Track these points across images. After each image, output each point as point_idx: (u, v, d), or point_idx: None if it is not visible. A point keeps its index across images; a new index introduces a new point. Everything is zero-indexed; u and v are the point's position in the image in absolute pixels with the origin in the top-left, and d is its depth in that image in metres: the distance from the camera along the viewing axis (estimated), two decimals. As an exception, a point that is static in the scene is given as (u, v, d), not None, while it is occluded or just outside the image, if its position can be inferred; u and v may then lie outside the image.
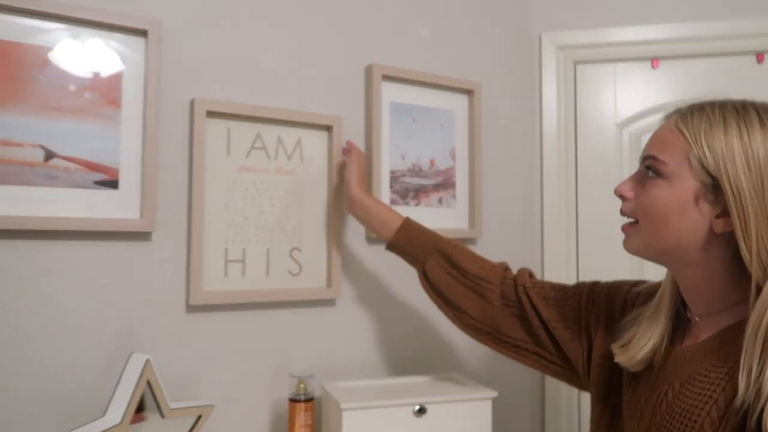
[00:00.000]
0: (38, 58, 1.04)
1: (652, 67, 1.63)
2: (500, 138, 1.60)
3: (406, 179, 1.42)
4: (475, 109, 1.51)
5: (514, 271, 1.13)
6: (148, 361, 0.92)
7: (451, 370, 1.43)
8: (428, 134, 1.46)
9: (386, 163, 1.39)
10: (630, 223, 0.84)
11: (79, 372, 1.05)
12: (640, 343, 0.84)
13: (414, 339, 1.41)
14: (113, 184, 1.09)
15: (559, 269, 1.62)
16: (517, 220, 1.61)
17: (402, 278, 1.39)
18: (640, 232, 0.81)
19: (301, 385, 1.15)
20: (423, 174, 1.45)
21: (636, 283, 0.97)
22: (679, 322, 0.85)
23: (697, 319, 0.82)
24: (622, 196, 0.84)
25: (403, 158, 1.42)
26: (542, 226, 1.64)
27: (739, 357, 0.69)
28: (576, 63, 1.67)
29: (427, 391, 1.18)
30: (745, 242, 0.71)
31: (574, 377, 1.03)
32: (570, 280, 1.62)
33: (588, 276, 1.53)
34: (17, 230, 1.01)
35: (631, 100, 1.64)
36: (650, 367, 0.84)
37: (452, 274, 1.12)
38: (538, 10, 1.68)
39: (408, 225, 1.18)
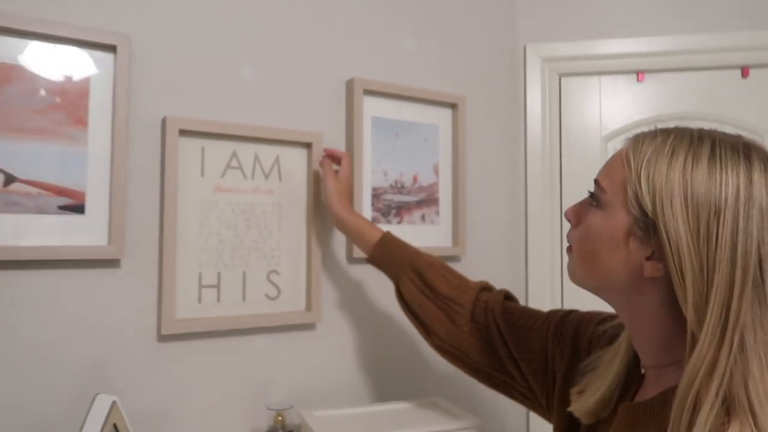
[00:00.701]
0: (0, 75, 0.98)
1: (638, 80, 1.61)
2: (485, 152, 1.56)
3: (389, 196, 1.38)
4: (459, 123, 1.47)
5: (496, 291, 1.09)
6: (114, 402, 0.87)
7: (435, 393, 1.39)
8: (411, 149, 1.42)
9: (368, 180, 1.35)
10: (568, 247, 0.78)
11: (44, 408, 0.99)
12: (590, 391, 0.77)
13: (397, 362, 1.37)
14: (79, 208, 1.03)
15: (544, 286, 1.60)
16: (502, 237, 1.58)
17: (384, 299, 1.35)
18: (572, 261, 0.76)
19: (279, 418, 1.11)
20: (405, 191, 1.41)
21: (605, 318, 0.89)
22: (635, 372, 0.78)
23: (643, 371, 0.75)
24: (568, 220, 0.78)
25: (386, 174, 1.38)
26: (527, 242, 1.61)
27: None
28: (561, 75, 1.64)
29: (410, 420, 1.14)
30: (679, 290, 0.62)
31: (542, 410, 0.98)
32: (555, 297, 1.59)
33: (573, 294, 1.50)
34: (-26, 260, 0.95)
35: (617, 113, 1.62)
36: (602, 420, 0.77)
37: (425, 293, 1.07)
38: (522, 21, 1.65)
39: (386, 240, 1.14)
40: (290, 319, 1.22)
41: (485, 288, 1.09)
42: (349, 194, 1.27)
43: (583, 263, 0.73)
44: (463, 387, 1.45)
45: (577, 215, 0.75)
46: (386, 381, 1.35)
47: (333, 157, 1.26)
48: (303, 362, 1.25)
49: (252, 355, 1.19)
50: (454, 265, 1.45)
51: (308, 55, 1.30)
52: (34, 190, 1.00)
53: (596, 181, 0.72)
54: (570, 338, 0.90)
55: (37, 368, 0.99)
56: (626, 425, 0.71)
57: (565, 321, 0.93)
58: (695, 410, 0.59)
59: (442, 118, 1.47)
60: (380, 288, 1.36)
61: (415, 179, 1.43)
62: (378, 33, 1.40)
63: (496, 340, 0.99)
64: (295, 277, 1.25)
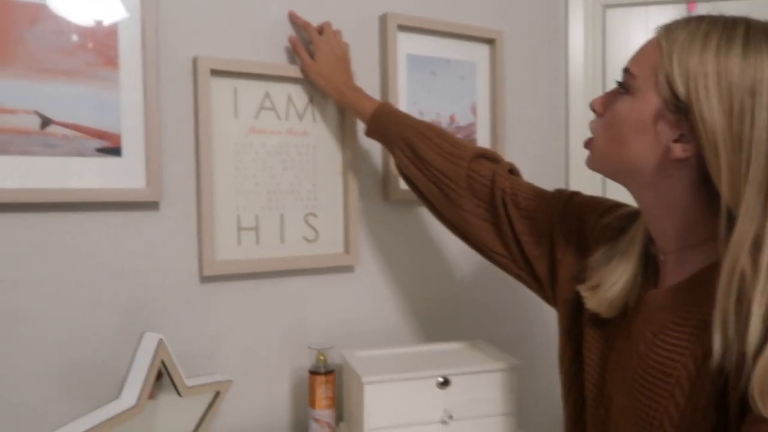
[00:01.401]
0: (24, 15, 0.95)
1: (688, 10, 1.51)
2: (524, 90, 1.50)
3: (425, 137, 1.34)
4: (497, 60, 1.41)
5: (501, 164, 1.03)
6: (161, 340, 0.88)
7: (474, 335, 1.38)
8: (448, 88, 1.37)
9: (403, 120, 1.31)
10: (589, 139, 0.78)
11: (91, 347, 1.02)
12: (608, 283, 0.76)
13: (436, 304, 1.36)
14: (116, 151, 1.03)
15: (585, 228, 1.55)
16: (542, 178, 1.51)
17: (422, 240, 1.34)
18: (595, 148, 0.76)
19: (321, 357, 1.11)
20: (442, 131, 1.37)
21: (608, 209, 0.87)
22: (652, 261, 0.77)
23: (662, 257, 0.75)
24: (594, 111, 0.77)
25: (421, 114, 1.34)
26: (567, 182, 1.56)
27: (714, 305, 0.61)
28: (605, 6, 1.55)
29: (451, 361, 1.13)
30: (714, 169, 0.62)
31: (544, 295, 0.96)
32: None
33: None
34: (17, 203, 0.96)
35: (664, 46, 1.53)
36: (623, 313, 0.76)
37: (417, 166, 1.04)
38: (564, -52, 1.55)
39: (380, 113, 1.09)
40: (328, 262, 1.22)
41: (482, 156, 1.03)
42: (340, 64, 1.16)
43: (608, 149, 0.73)
44: (501, 328, 1.44)
45: (604, 104, 0.75)
46: (425, 322, 1.35)
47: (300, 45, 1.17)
48: (341, 304, 1.25)
49: (291, 297, 1.20)
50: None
51: (340, -10, 1.25)
52: (71, 132, 0.99)
53: (625, 69, 0.72)
54: (575, 224, 0.89)
55: (83, 308, 1.01)
56: (659, 309, 0.71)
57: (569, 204, 0.91)
58: (742, 284, 0.59)
59: (479, 55, 1.41)
60: (418, 229, 1.34)
61: (452, 119, 1.38)
62: (412, -35, 1.33)
63: (501, 220, 0.96)
64: (332, 220, 1.23)
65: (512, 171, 1.02)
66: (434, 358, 1.15)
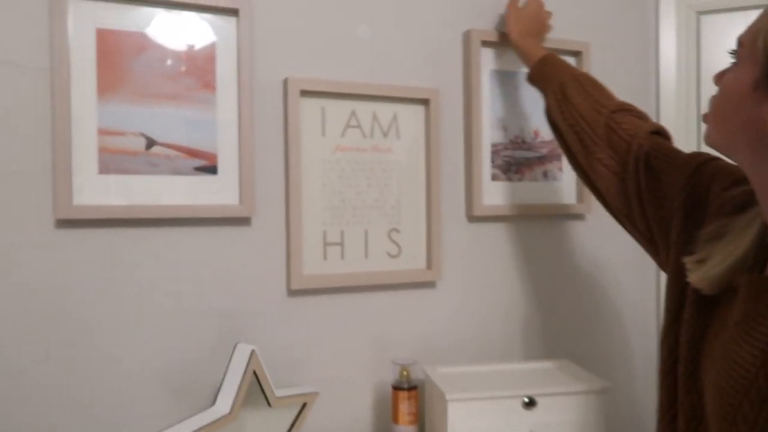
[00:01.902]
0: (134, 45, 1.03)
1: (794, 13, 1.42)
2: (611, 103, 1.45)
3: (508, 152, 1.33)
4: (584, 69, 1.37)
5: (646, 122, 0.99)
6: (253, 351, 0.92)
7: (558, 354, 1.35)
8: (532, 103, 1.35)
9: (486, 136, 1.30)
10: (704, 114, 0.72)
11: (186, 355, 1.07)
12: (715, 260, 0.70)
13: (520, 322, 1.34)
14: (212, 169, 1.08)
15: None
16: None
17: (505, 257, 1.32)
18: (708, 122, 0.71)
19: (405, 373, 1.12)
20: (526, 146, 1.35)
21: (738, 182, 0.79)
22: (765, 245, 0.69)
23: None
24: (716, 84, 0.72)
25: (505, 130, 1.32)
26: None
27: None
28: (699, 13, 1.48)
29: (536, 381, 1.11)
30: None
31: (659, 260, 0.89)
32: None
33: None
34: (123, 219, 1.03)
35: (766, 52, 1.44)
36: (725, 295, 0.69)
37: (562, 109, 1.06)
38: (654, -45, 1.50)
39: (546, 59, 1.15)
40: (411, 277, 1.22)
41: (627, 111, 1.00)
42: (533, 21, 1.27)
43: (715, 123, 0.69)
44: (587, 349, 1.39)
45: (719, 77, 0.70)
46: (507, 340, 1.32)
47: None
48: (424, 320, 1.25)
49: (374, 312, 1.21)
50: (578, 225, 1.40)
51: (423, 9, 1.26)
52: (172, 152, 1.06)
53: (738, 38, 0.66)
54: (701, 191, 0.81)
55: (180, 318, 1.07)
56: (757, 298, 0.64)
57: (701, 169, 0.84)
58: None
59: (564, 67, 1.38)
60: (501, 246, 1.32)
61: (536, 134, 1.36)
62: (495, -20, 1.33)
63: (630, 177, 0.91)
64: (415, 235, 1.24)
65: (660, 132, 0.96)
66: (519, 377, 1.13)
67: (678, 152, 0.89)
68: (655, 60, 1.50)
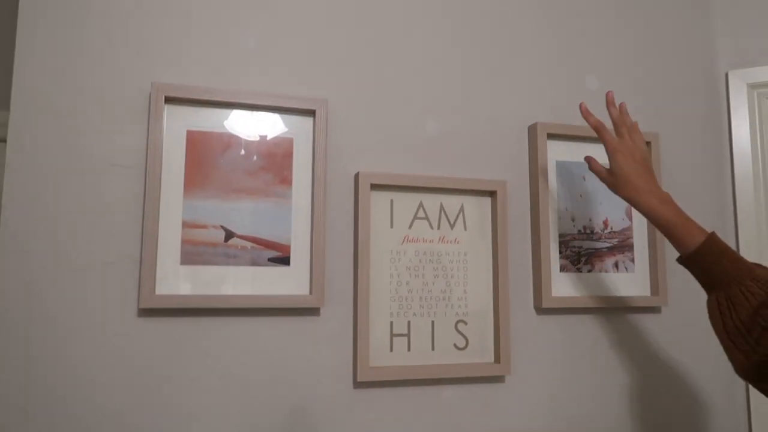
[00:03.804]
0: (220, 144, 1.11)
1: None
2: (685, 191, 1.42)
3: (577, 243, 1.31)
4: (653, 161, 1.36)
5: None
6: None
7: (637, 458, 1.26)
8: (600, 193, 1.34)
9: (554, 227, 1.29)
10: None
11: (255, 447, 1.07)
12: None
13: (591, 419, 1.27)
14: (285, 260, 1.12)
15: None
16: (708, 284, 1.41)
17: (577, 351, 1.27)
18: None
19: (473, 475, 1.07)
20: (596, 236, 1.33)
21: None
22: None
23: None
24: None
25: (573, 220, 1.31)
26: (740, 291, 1.42)
27: None
28: (772, 101, 1.46)
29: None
30: None
31: None
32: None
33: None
34: (201, 309, 1.07)
35: None
36: None
37: (725, 318, 0.91)
38: (721, 47, 1.50)
39: (714, 246, 0.96)
40: (479, 371, 1.20)
41: None
42: (640, 169, 1.06)
43: None
44: (670, 455, 1.30)
45: None
46: (582, 442, 1.26)
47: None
48: (493, 415, 1.21)
49: (442, 406, 1.18)
50: (653, 319, 1.34)
51: (488, 103, 1.30)
52: (249, 244, 1.11)
53: None
54: None
55: (248, 407, 1.08)
56: None
57: None
58: None
59: (632, 157, 1.38)
60: (572, 339, 1.28)
61: (605, 224, 1.34)
62: (559, 74, 1.36)
63: None
64: (482, 328, 1.22)
65: None
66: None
67: None
68: (729, 149, 1.47)
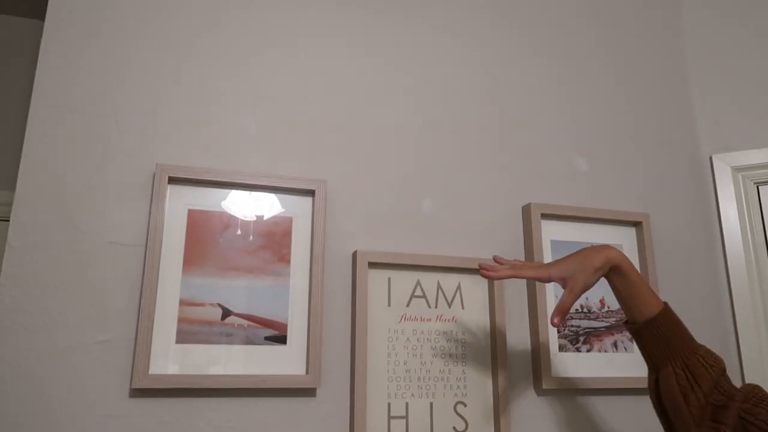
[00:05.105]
0: (219, 223, 1.13)
1: None
2: (677, 273, 1.44)
3: (575, 322, 1.31)
4: (645, 242, 1.39)
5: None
6: None
7: None
8: (595, 272, 1.35)
9: (551, 305, 1.30)
10: None
11: None
12: None
13: None
14: (282, 339, 1.11)
15: None
16: (709, 365, 1.40)
17: (579, 436, 1.24)
18: None
19: None
20: (593, 316, 1.33)
21: None
22: None
23: None
24: None
25: (570, 299, 1.32)
26: (742, 373, 1.40)
27: None
28: (758, 184, 1.50)
29: None
30: None
31: None
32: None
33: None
34: (193, 389, 1.04)
35: (835, 221, 1.43)
36: None
37: (685, 392, 0.87)
38: (704, 132, 1.57)
39: (668, 318, 0.92)
40: (479, 456, 1.16)
41: (754, 395, 0.85)
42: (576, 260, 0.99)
43: None
44: None
45: None
46: None
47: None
48: (494, 506, 1.16)
49: (441, 495, 1.13)
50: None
51: (483, 183, 1.34)
52: (246, 322, 1.10)
53: None
54: None
55: (241, 497, 1.03)
56: None
57: None
58: None
59: (625, 237, 1.40)
60: (572, 420, 1.25)
61: (602, 303, 1.34)
62: (551, 156, 1.41)
63: None
64: (482, 409, 1.20)
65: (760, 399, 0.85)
66: None
67: None
68: (719, 230, 1.50)
